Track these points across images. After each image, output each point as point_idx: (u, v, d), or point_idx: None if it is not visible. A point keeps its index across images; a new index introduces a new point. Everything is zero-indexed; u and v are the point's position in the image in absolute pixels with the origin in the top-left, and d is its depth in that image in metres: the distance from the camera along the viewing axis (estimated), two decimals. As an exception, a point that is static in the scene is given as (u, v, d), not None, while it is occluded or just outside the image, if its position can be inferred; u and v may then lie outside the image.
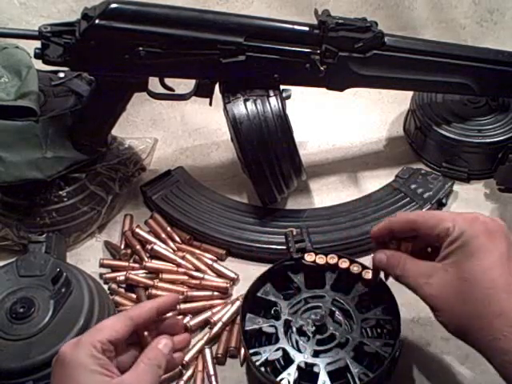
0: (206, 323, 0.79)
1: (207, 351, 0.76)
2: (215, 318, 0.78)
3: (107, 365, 0.54)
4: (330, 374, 0.67)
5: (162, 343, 0.59)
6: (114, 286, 0.84)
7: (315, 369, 0.68)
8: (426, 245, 0.62)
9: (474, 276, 0.52)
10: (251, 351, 0.69)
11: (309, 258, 0.76)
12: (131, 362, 0.58)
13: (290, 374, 0.67)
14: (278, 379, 0.66)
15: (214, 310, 0.80)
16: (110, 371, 0.54)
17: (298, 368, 0.68)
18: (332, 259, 0.76)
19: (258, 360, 0.69)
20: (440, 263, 0.56)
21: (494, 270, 0.52)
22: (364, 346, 0.70)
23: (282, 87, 0.85)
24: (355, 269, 0.75)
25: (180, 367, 0.73)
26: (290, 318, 0.72)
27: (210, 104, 0.88)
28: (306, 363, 0.68)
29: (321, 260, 0.76)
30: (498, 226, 0.56)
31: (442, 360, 0.74)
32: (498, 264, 0.52)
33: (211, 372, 0.74)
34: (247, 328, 0.72)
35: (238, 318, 0.75)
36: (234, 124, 0.83)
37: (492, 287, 0.51)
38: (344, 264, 0.75)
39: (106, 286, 0.84)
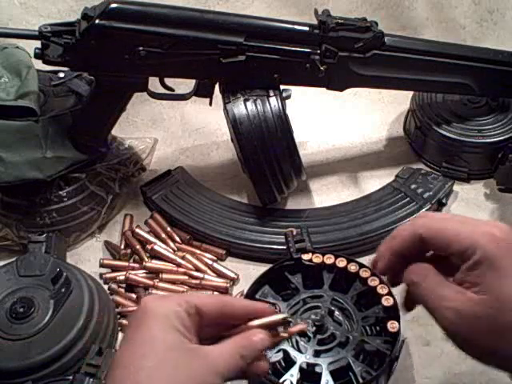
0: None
1: None
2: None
3: (188, 327, 0.48)
4: (332, 373, 0.67)
5: (259, 337, 0.51)
6: (113, 286, 0.84)
7: (317, 369, 0.68)
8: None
9: (503, 300, 0.46)
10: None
11: (305, 256, 0.76)
12: (211, 337, 0.51)
13: (293, 375, 0.67)
14: (281, 381, 0.66)
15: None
16: (189, 334, 0.48)
17: (300, 369, 0.68)
18: (329, 259, 0.76)
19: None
20: (465, 289, 0.48)
21: None
22: (365, 345, 0.70)
23: (282, 87, 0.85)
24: (353, 268, 0.75)
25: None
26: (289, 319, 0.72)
27: (210, 104, 0.88)
28: (307, 364, 0.68)
29: (317, 259, 0.76)
30: None
31: (442, 360, 0.74)
32: None
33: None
34: (247, 329, 0.72)
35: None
36: (234, 124, 0.83)
37: None
38: (341, 263, 0.75)
39: (106, 286, 0.84)
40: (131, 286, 0.83)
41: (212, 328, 0.51)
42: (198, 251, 0.88)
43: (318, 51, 0.82)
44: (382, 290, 0.72)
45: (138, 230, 0.89)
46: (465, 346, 0.49)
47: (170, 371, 0.45)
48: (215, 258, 0.87)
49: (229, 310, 0.51)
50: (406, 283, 0.53)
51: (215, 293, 0.83)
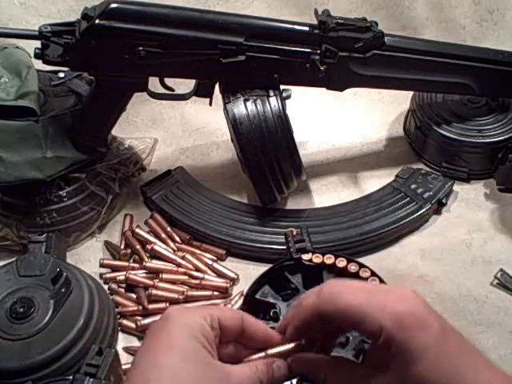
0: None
1: None
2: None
3: (211, 341, 0.48)
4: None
5: (277, 365, 0.51)
6: (113, 286, 0.84)
7: (316, 369, 0.68)
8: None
9: (423, 381, 0.46)
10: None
11: (305, 256, 0.76)
12: (229, 357, 0.51)
13: None
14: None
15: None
16: (211, 348, 0.48)
17: (299, 368, 0.67)
18: (329, 259, 0.76)
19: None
20: (377, 373, 0.48)
21: (438, 368, 0.45)
22: (365, 345, 0.69)
23: (282, 87, 0.85)
24: (353, 268, 0.75)
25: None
26: (289, 319, 0.72)
27: (210, 104, 0.88)
28: (306, 363, 0.68)
29: (317, 259, 0.76)
30: (421, 309, 0.48)
31: (442, 360, 0.74)
32: (438, 358, 0.46)
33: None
34: (247, 329, 0.72)
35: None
36: (234, 124, 0.83)
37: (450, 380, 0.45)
38: (341, 263, 0.75)
39: (106, 286, 0.84)
40: (131, 286, 0.83)
41: (230, 347, 0.51)
42: (198, 251, 0.88)
43: (318, 51, 0.82)
44: None
45: (137, 230, 0.89)
46: None
47: (187, 381, 0.45)
48: (215, 258, 0.87)
49: (248, 327, 0.51)
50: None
51: (215, 293, 0.83)
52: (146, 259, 0.86)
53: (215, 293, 0.83)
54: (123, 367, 0.72)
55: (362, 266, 0.75)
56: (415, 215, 0.88)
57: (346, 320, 0.48)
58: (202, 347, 0.47)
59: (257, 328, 0.52)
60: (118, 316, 0.81)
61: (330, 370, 0.51)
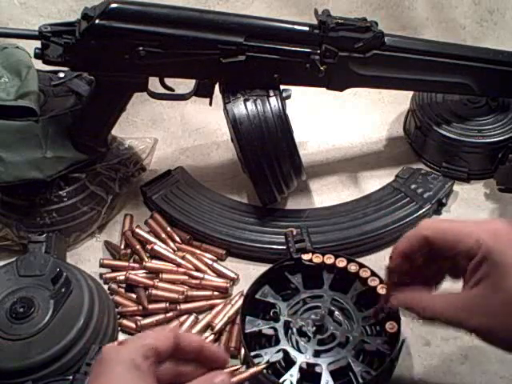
0: (208, 326, 0.79)
1: None
2: (216, 321, 0.78)
3: (145, 371, 0.50)
4: (332, 373, 0.67)
5: (219, 379, 0.52)
6: (113, 286, 0.84)
7: (317, 369, 0.68)
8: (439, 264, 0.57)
9: None
10: (252, 354, 0.69)
11: (305, 256, 0.76)
12: (170, 374, 0.53)
13: (293, 375, 0.67)
14: (281, 381, 0.66)
15: (214, 312, 0.80)
16: (147, 377, 0.50)
17: (300, 369, 0.68)
18: (329, 259, 0.76)
19: (259, 362, 0.68)
20: (474, 291, 0.51)
21: None
22: (365, 345, 0.70)
23: (282, 87, 0.85)
24: (353, 268, 0.75)
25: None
26: (289, 319, 0.72)
27: (210, 104, 0.88)
28: (307, 364, 0.68)
29: (317, 259, 0.76)
30: None
31: (442, 360, 0.74)
32: None
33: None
34: (247, 330, 0.72)
35: (238, 318, 0.75)
36: (234, 124, 0.83)
37: None
38: (341, 263, 0.75)
39: (106, 286, 0.84)
40: (131, 286, 0.83)
41: (171, 364, 0.53)
42: (198, 251, 0.88)
43: (318, 51, 0.82)
44: (382, 290, 0.72)
45: (137, 230, 0.89)
46: (497, 341, 0.51)
47: None
48: (215, 258, 0.87)
49: (181, 341, 0.52)
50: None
51: (215, 293, 0.83)
52: (146, 259, 0.86)
53: (215, 293, 0.83)
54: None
55: (362, 265, 0.75)
56: (415, 215, 0.88)
57: (446, 240, 0.52)
58: (138, 378, 0.49)
59: (191, 340, 0.53)
60: (118, 316, 0.81)
61: (430, 301, 0.54)
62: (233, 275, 0.85)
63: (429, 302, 0.54)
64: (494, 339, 0.51)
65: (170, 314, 0.80)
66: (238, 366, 0.57)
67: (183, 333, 0.55)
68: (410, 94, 1.02)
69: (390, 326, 0.69)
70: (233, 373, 0.54)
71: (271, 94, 0.84)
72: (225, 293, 0.83)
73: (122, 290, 0.84)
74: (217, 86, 0.86)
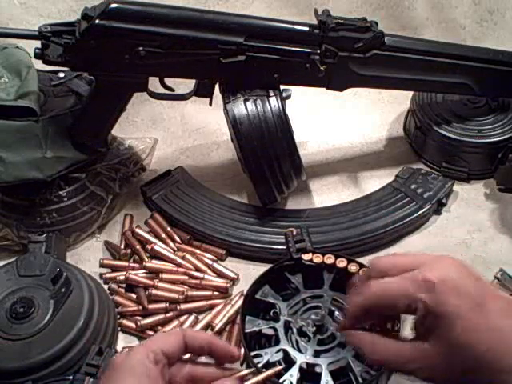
0: (208, 326, 0.79)
1: None
2: (216, 321, 0.79)
3: (155, 376, 0.51)
4: (332, 373, 0.67)
5: None
6: (113, 286, 0.84)
7: (317, 369, 0.68)
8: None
9: (461, 346, 0.48)
10: (252, 354, 0.69)
11: (305, 256, 0.76)
12: (182, 376, 0.55)
13: (293, 375, 0.67)
14: (281, 381, 0.66)
15: (214, 312, 0.80)
16: (157, 382, 0.51)
17: (300, 369, 0.68)
18: (329, 259, 0.76)
19: (259, 362, 0.68)
20: (423, 344, 0.50)
21: (476, 330, 0.47)
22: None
23: (282, 87, 0.85)
24: (353, 268, 0.75)
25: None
26: (289, 319, 0.72)
27: (210, 104, 0.88)
28: (307, 364, 0.68)
29: (317, 259, 0.76)
30: (456, 273, 0.50)
31: (442, 360, 0.74)
32: (475, 320, 0.48)
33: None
34: (247, 330, 0.72)
35: (238, 318, 0.75)
36: (234, 124, 0.83)
37: (485, 347, 0.47)
38: (341, 263, 0.75)
39: (106, 286, 0.84)
40: (131, 286, 0.83)
41: (182, 364, 0.54)
42: (198, 251, 0.88)
43: (318, 51, 0.82)
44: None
45: (138, 230, 0.89)
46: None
47: None
48: (215, 258, 0.87)
49: (190, 340, 0.54)
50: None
51: (215, 293, 0.83)
52: (146, 259, 0.86)
53: (215, 293, 0.83)
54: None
55: (362, 266, 0.75)
56: (415, 215, 0.88)
57: (382, 305, 0.51)
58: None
59: (199, 338, 0.55)
60: (118, 316, 0.81)
61: (381, 346, 0.53)
62: (233, 275, 0.85)
63: (380, 348, 0.53)
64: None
65: (170, 314, 0.80)
66: (250, 370, 0.56)
67: (191, 331, 0.56)
68: (410, 94, 1.02)
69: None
70: (244, 377, 0.55)
71: (271, 93, 0.84)
72: (225, 293, 0.83)
73: (122, 290, 0.84)
74: (217, 86, 0.86)
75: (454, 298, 0.48)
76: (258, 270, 0.79)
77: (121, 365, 0.51)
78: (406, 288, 0.49)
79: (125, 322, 0.80)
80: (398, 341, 0.53)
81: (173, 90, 0.89)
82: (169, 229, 0.90)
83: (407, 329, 0.56)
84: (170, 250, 0.87)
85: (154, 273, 0.84)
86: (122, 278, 0.83)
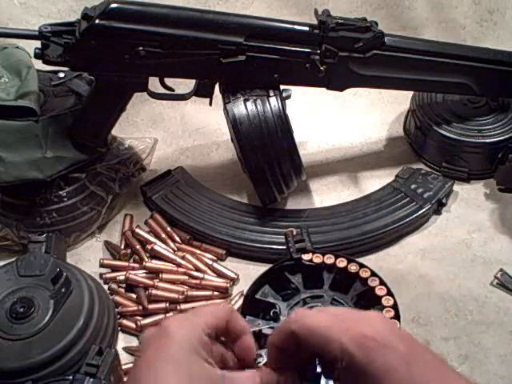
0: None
1: None
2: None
3: (209, 352, 0.48)
4: (331, 373, 0.67)
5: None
6: (113, 286, 0.84)
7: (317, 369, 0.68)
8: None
9: None
10: (252, 353, 0.69)
11: (306, 257, 0.76)
12: (217, 355, 0.51)
13: None
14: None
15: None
16: (211, 358, 0.48)
17: (299, 368, 0.67)
18: (329, 259, 0.76)
19: (259, 362, 0.68)
20: None
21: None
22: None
23: (282, 87, 0.85)
24: (353, 268, 0.75)
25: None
26: (289, 319, 0.72)
27: (210, 104, 0.88)
28: (306, 363, 0.68)
29: (317, 259, 0.76)
30: (386, 331, 0.48)
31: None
32: (401, 378, 0.45)
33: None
34: (247, 330, 0.72)
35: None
36: (234, 124, 0.83)
37: None
38: (341, 263, 0.75)
39: (106, 286, 0.84)
40: (131, 286, 0.83)
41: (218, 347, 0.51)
42: (198, 251, 0.88)
43: (318, 51, 0.82)
44: (381, 290, 0.72)
45: (138, 230, 0.89)
46: None
47: None
48: (215, 258, 0.87)
49: (234, 321, 0.52)
50: None
51: (215, 293, 0.83)
52: (146, 259, 0.86)
53: (215, 293, 0.83)
54: (123, 367, 0.72)
55: (362, 265, 0.75)
56: (415, 215, 0.88)
57: (312, 340, 0.48)
58: (204, 362, 0.47)
59: (240, 322, 0.53)
60: (118, 316, 0.81)
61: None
62: (233, 275, 0.85)
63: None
64: None
65: (170, 314, 0.80)
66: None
67: (236, 312, 0.53)
68: (410, 94, 1.02)
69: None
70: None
71: (271, 93, 0.84)
72: (225, 293, 0.83)
73: (122, 290, 0.84)
74: (217, 86, 0.86)
75: (383, 355, 0.46)
76: (258, 270, 0.79)
77: (176, 334, 0.47)
78: (338, 335, 0.47)
79: (125, 322, 0.80)
80: None
81: (173, 90, 0.89)
82: (169, 229, 0.90)
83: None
84: (170, 250, 0.87)
85: (154, 273, 0.84)
86: (122, 277, 0.83)
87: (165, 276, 0.83)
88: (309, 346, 0.49)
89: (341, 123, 1.08)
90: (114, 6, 0.77)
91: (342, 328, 0.47)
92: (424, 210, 0.89)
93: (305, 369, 0.52)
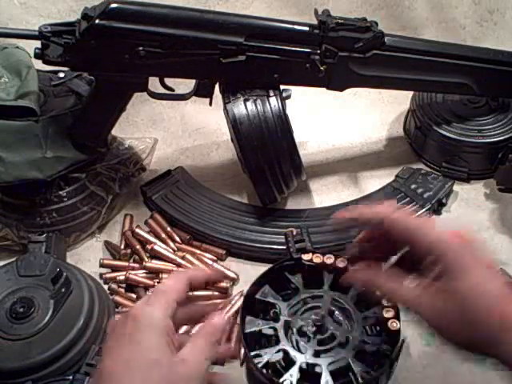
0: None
1: None
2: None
3: (172, 331, 0.52)
4: (332, 373, 0.67)
5: (217, 318, 0.55)
6: (113, 286, 0.84)
7: (317, 369, 0.68)
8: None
9: (475, 296, 0.51)
10: (252, 354, 0.69)
11: (305, 257, 0.76)
12: (182, 318, 0.56)
13: (292, 375, 0.67)
14: (281, 381, 0.66)
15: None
16: (173, 338, 0.52)
17: (300, 369, 0.67)
18: (329, 259, 0.76)
19: (259, 362, 0.68)
20: (430, 289, 0.54)
21: (490, 281, 0.52)
22: (365, 345, 0.70)
23: (282, 87, 0.85)
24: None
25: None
26: (289, 319, 0.72)
27: (210, 104, 0.88)
28: (307, 364, 0.68)
29: (317, 259, 0.76)
30: (475, 242, 0.54)
31: (442, 360, 0.74)
32: (488, 275, 0.52)
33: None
34: (247, 330, 0.72)
35: (238, 318, 0.75)
36: (234, 124, 0.83)
37: (487, 301, 0.51)
38: (341, 263, 0.75)
39: (106, 286, 0.84)
40: (131, 286, 0.83)
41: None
42: (198, 251, 0.88)
43: (318, 51, 0.82)
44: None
45: (138, 230, 0.89)
46: (445, 337, 0.54)
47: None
48: (215, 258, 0.87)
49: (193, 281, 0.56)
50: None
51: (215, 293, 0.82)
52: (146, 259, 0.86)
53: (215, 293, 0.83)
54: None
55: (361, 266, 0.74)
56: (415, 215, 0.88)
57: (406, 234, 0.55)
58: (168, 343, 0.50)
59: (200, 275, 0.58)
60: (118, 316, 0.81)
61: (385, 282, 0.57)
62: (233, 275, 0.85)
63: (390, 288, 0.57)
64: (443, 335, 0.54)
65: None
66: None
67: (192, 272, 0.59)
68: (410, 94, 1.02)
69: (392, 324, 0.69)
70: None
71: (271, 94, 0.84)
72: (225, 293, 0.83)
73: (122, 290, 0.84)
74: (217, 86, 0.86)
75: (472, 255, 0.52)
76: (258, 270, 0.79)
77: (145, 322, 0.50)
78: (431, 227, 0.54)
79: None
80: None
81: (173, 90, 0.89)
82: (169, 229, 0.90)
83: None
84: (170, 250, 0.87)
85: (154, 273, 0.84)
86: (122, 278, 0.83)
87: (165, 276, 0.83)
88: (398, 239, 0.56)
89: (341, 123, 1.08)
90: (114, 6, 0.77)
91: (431, 228, 0.54)
92: (424, 210, 0.89)
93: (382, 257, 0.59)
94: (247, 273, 0.85)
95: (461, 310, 0.51)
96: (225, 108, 0.84)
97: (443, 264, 0.52)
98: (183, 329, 0.78)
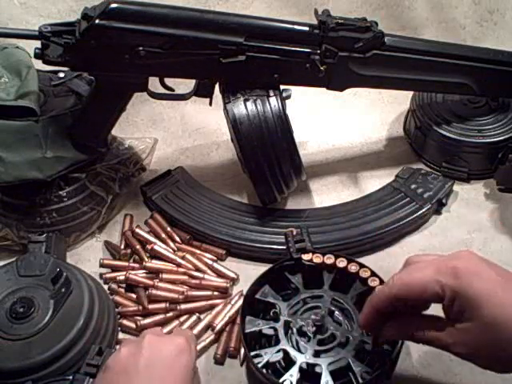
0: (208, 327, 0.79)
1: None
2: (217, 322, 0.78)
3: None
4: (332, 373, 0.67)
5: None
6: (113, 286, 0.84)
7: (317, 369, 0.68)
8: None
9: (492, 323, 0.52)
10: (252, 354, 0.69)
11: (305, 257, 0.76)
12: None
13: (293, 375, 0.67)
14: (281, 381, 0.66)
15: (214, 312, 0.80)
16: None
17: (300, 369, 0.68)
18: (329, 259, 0.76)
19: (259, 362, 0.68)
20: (456, 326, 0.55)
21: (503, 305, 0.52)
22: (365, 345, 0.70)
23: (282, 87, 0.85)
24: (353, 268, 0.75)
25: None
26: (289, 319, 0.72)
27: (210, 104, 0.88)
28: (307, 364, 0.68)
29: (317, 259, 0.76)
30: (476, 261, 0.56)
31: (442, 360, 0.74)
32: (501, 297, 0.53)
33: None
34: (247, 330, 0.72)
35: (238, 318, 0.75)
36: (234, 124, 0.83)
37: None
38: (341, 263, 0.75)
39: (106, 286, 0.84)
40: (131, 286, 0.83)
41: None
42: (198, 251, 0.88)
43: (318, 51, 0.82)
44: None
45: (138, 230, 0.89)
46: (485, 367, 0.55)
47: None
48: (215, 258, 0.87)
49: None
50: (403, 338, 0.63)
51: (215, 293, 0.83)
52: (146, 259, 0.86)
53: (215, 293, 0.83)
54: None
55: (362, 265, 0.75)
56: (415, 215, 0.88)
57: (411, 295, 0.56)
58: None
59: None
60: (118, 316, 0.81)
61: (420, 327, 0.58)
62: (233, 275, 0.85)
63: (419, 329, 0.59)
64: (476, 363, 0.56)
65: (170, 314, 0.80)
66: None
67: None
68: (410, 93, 1.02)
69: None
70: None
71: (271, 93, 0.84)
72: (225, 293, 0.83)
73: (122, 290, 0.84)
74: (217, 86, 0.86)
75: (478, 281, 0.53)
76: (258, 270, 0.79)
77: (183, 358, 0.59)
78: (432, 276, 0.54)
79: (125, 322, 0.80)
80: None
81: (173, 90, 0.89)
82: (169, 229, 0.90)
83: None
84: (170, 250, 0.87)
85: (154, 273, 0.84)
86: (122, 277, 0.83)
87: (165, 276, 0.83)
88: (408, 300, 0.56)
89: (341, 123, 1.08)
90: (114, 6, 0.77)
91: (435, 271, 0.55)
92: (424, 209, 0.89)
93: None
94: (247, 273, 0.85)
95: (492, 344, 0.52)
96: (225, 108, 0.84)
97: (458, 303, 0.54)
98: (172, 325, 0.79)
